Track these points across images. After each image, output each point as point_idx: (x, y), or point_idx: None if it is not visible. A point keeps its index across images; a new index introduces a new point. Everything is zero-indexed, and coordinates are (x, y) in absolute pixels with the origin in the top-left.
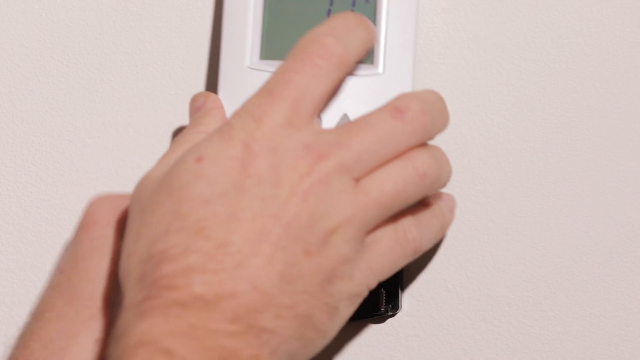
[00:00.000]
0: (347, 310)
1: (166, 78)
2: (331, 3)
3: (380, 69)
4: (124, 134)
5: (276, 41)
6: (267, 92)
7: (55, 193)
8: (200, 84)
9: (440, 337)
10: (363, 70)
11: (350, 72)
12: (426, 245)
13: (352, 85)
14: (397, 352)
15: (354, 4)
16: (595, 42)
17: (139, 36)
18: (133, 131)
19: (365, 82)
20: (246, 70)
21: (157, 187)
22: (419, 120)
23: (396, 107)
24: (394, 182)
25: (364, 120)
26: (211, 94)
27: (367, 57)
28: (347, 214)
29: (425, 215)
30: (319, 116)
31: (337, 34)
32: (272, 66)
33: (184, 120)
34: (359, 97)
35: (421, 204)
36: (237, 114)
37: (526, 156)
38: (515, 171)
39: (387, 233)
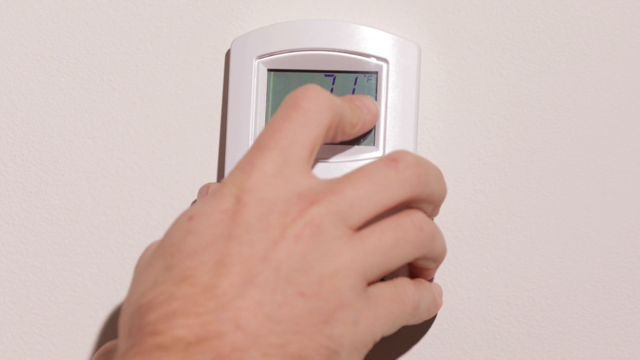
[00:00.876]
0: (350, 358)
1: (166, 78)
2: (333, 82)
3: (381, 151)
4: (124, 134)
5: None
6: (256, 145)
7: (55, 193)
8: (199, 84)
9: (440, 337)
10: (364, 153)
11: (344, 137)
12: (423, 307)
13: (353, 168)
14: (397, 352)
15: (355, 83)
16: (595, 42)
17: (139, 36)
18: (133, 131)
19: None
20: None
21: (153, 252)
22: (412, 169)
23: (391, 157)
24: (393, 230)
25: (358, 169)
26: (213, 184)
27: (369, 138)
28: (346, 259)
29: (418, 283)
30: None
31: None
32: None
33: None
34: None
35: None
36: (229, 173)
37: (526, 156)
38: (515, 171)
39: (387, 288)
